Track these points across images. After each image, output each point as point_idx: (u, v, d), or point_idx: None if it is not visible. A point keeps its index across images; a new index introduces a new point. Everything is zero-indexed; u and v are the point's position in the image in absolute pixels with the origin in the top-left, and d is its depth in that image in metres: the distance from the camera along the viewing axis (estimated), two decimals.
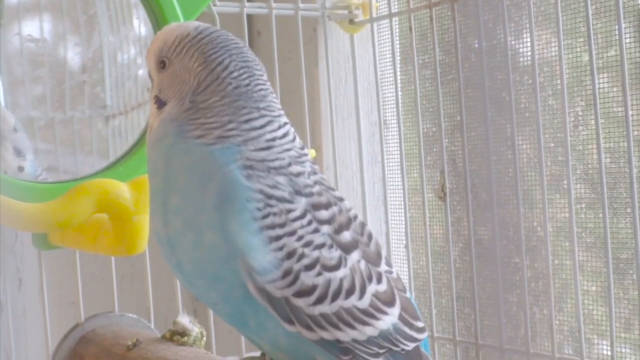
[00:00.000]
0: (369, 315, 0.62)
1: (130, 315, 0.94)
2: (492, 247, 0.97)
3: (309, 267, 0.60)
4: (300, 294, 0.60)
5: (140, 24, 0.98)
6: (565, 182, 0.87)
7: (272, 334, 0.62)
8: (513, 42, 0.97)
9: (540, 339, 0.96)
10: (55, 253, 0.91)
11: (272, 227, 0.60)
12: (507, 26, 0.91)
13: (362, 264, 0.63)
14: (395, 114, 1.09)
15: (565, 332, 0.96)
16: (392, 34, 1.09)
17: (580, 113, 0.94)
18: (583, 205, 0.94)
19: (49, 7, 0.98)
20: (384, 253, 0.66)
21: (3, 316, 1.07)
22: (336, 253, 0.62)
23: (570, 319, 0.95)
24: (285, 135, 0.64)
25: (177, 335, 0.84)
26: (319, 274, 0.61)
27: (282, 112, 0.66)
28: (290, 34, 1.12)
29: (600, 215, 0.84)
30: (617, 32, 0.81)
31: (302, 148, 0.65)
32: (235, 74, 0.64)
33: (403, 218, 1.08)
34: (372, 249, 0.64)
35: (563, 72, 0.86)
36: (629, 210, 0.86)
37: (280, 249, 0.60)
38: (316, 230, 0.61)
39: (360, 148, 1.13)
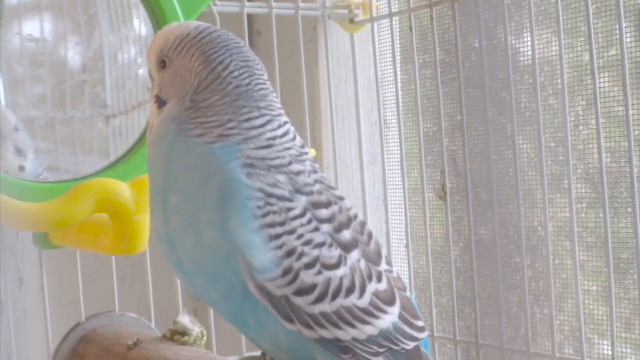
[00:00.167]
0: (369, 314, 0.62)
1: (131, 314, 0.94)
2: (492, 247, 0.97)
3: (308, 266, 0.60)
4: (300, 292, 0.60)
5: (140, 24, 0.98)
6: (566, 181, 0.87)
7: (272, 333, 0.62)
8: (513, 42, 0.97)
9: (541, 338, 0.96)
10: (55, 252, 0.92)
11: (272, 225, 0.60)
12: (507, 25, 0.91)
13: (362, 263, 0.63)
14: (395, 113, 1.09)
15: (565, 331, 0.95)
16: (392, 33, 1.09)
17: (580, 112, 0.94)
18: (584, 205, 0.93)
19: (49, 6, 0.98)
20: (384, 252, 0.65)
21: (4, 315, 1.07)
22: (336, 252, 0.62)
23: (570, 319, 0.95)
24: (285, 134, 0.64)
25: (177, 335, 0.84)
26: (319, 272, 0.61)
27: (282, 111, 0.66)
28: (290, 33, 1.12)
29: (601, 214, 0.84)
30: (617, 32, 0.81)
31: (302, 147, 0.65)
32: (236, 73, 0.64)
33: (403, 217, 1.08)
34: (372, 248, 0.64)
35: (564, 71, 0.86)
36: (629, 209, 0.86)
37: (280, 247, 0.60)
38: (316, 229, 0.61)
39: (361, 147, 1.13)
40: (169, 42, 0.66)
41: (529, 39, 0.93)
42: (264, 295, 0.60)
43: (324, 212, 0.62)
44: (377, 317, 0.62)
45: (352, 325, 0.61)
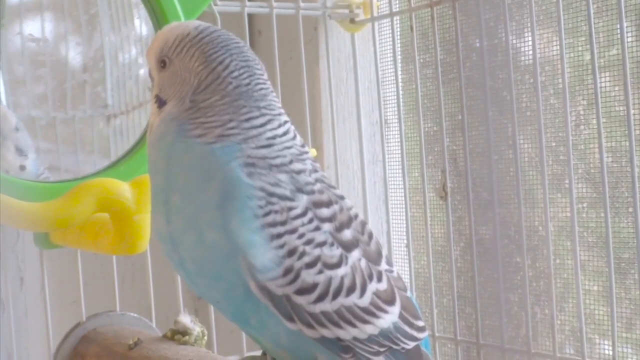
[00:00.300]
0: (369, 313, 0.62)
1: (132, 314, 0.94)
2: (493, 247, 0.97)
3: (310, 265, 0.60)
4: (301, 291, 0.60)
5: (141, 24, 0.98)
6: (567, 181, 0.87)
7: (273, 332, 0.62)
8: (514, 41, 0.97)
9: (542, 338, 0.96)
10: (56, 252, 0.92)
11: (273, 224, 0.60)
12: (508, 25, 0.91)
13: (363, 263, 0.63)
14: (396, 113, 1.09)
15: (566, 331, 0.95)
16: (393, 33, 1.09)
17: (581, 112, 0.94)
18: (585, 205, 0.93)
19: (50, 6, 0.98)
20: (384, 252, 0.66)
21: (5, 315, 1.08)
22: (337, 251, 0.62)
23: (571, 319, 0.95)
24: (285, 133, 0.64)
25: (178, 335, 0.84)
26: (320, 271, 0.61)
27: (282, 110, 0.66)
28: (291, 33, 1.12)
29: (602, 214, 0.84)
30: (618, 31, 0.81)
31: (302, 146, 0.65)
32: (236, 73, 0.64)
33: (404, 217, 1.08)
34: (372, 248, 0.64)
35: (564, 71, 0.86)
36: (630, 209, 0.86)
37: (282, 246, 0.60)
38: (317, 228, 0.61)
39: (361, 147, 1.13)
40: (168, 42, 0.66)
41: (529, 38, 0.93)
42: (265, 295, 0.60)
43: (325, 212, 0.62)
44: (377, 317, 0.62)
45: (353, 325, 0.61)
